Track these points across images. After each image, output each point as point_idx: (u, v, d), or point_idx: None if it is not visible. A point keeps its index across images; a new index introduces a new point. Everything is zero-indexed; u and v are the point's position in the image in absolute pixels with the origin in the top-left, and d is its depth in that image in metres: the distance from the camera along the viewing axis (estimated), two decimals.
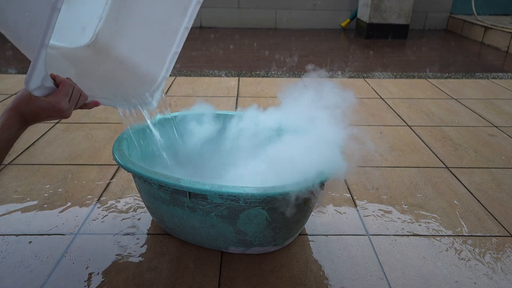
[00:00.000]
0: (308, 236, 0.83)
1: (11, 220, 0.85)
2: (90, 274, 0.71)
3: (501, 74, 2.06)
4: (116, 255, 0.76)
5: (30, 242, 0.79)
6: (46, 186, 0.98)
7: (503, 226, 0.87)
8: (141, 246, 0.79)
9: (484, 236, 0.84)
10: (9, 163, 1.08)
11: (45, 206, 0.91)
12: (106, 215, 0.88)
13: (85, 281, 0.70)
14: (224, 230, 0.73)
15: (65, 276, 0.71)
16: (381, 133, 1.34)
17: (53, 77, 0.58)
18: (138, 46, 0.79)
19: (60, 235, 0.81)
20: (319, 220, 0.88)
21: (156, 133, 0.83)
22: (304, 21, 3.29)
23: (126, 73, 0.78)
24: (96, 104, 0.66)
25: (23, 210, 0.89)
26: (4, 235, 0.81)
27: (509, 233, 0.85)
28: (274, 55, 2.42)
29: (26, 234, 0.81)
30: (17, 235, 0.81)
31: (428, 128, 1.38)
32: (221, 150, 0.93)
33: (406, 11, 2.93)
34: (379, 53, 2.58)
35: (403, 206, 0.94)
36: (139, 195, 0.82)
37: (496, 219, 0.90)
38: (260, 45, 2.71)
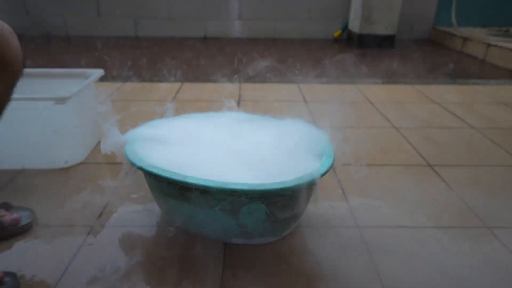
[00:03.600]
0: (304, 228, 0.89)
1: None
2: (106, 263, 0.77)
3: (479, 80, 2.19)
4: (129, 245, 0.82)
5: (45, 235, 0.84)
6: (61, 183, 1.04)
7: (480, 219, 0.95)
8: (152, 237, 0.85)
9: (463, 227, 0.92)
10: None
11: (60, 200, 0.96)
12: (120, 209, 0.94)
13: (100, 270, 0.75)
14: (227, 223, 0.78)
15: (84, 264, 0.77)
16: (370, 134, 1.42)
17: None
18: None
19: (78, 227, 0.87)
20: (314, 213, 0.94)
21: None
22: (299, 32, 3.45)
23: None
24: None
25: (38, 203, 0.94)
26: None
27: (486, 225, 0.93)
28: (272, 63, 2.51)
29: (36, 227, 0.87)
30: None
31: (413, 130, 1.46)
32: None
33: (393, 23, 3.07)
34: (369, 61, 2.69)
35: (391, 200, 1.02)
36: (149, 190, 0.88)
37: (473, 211, 0.98)
38: (258, 54, 2.81)
